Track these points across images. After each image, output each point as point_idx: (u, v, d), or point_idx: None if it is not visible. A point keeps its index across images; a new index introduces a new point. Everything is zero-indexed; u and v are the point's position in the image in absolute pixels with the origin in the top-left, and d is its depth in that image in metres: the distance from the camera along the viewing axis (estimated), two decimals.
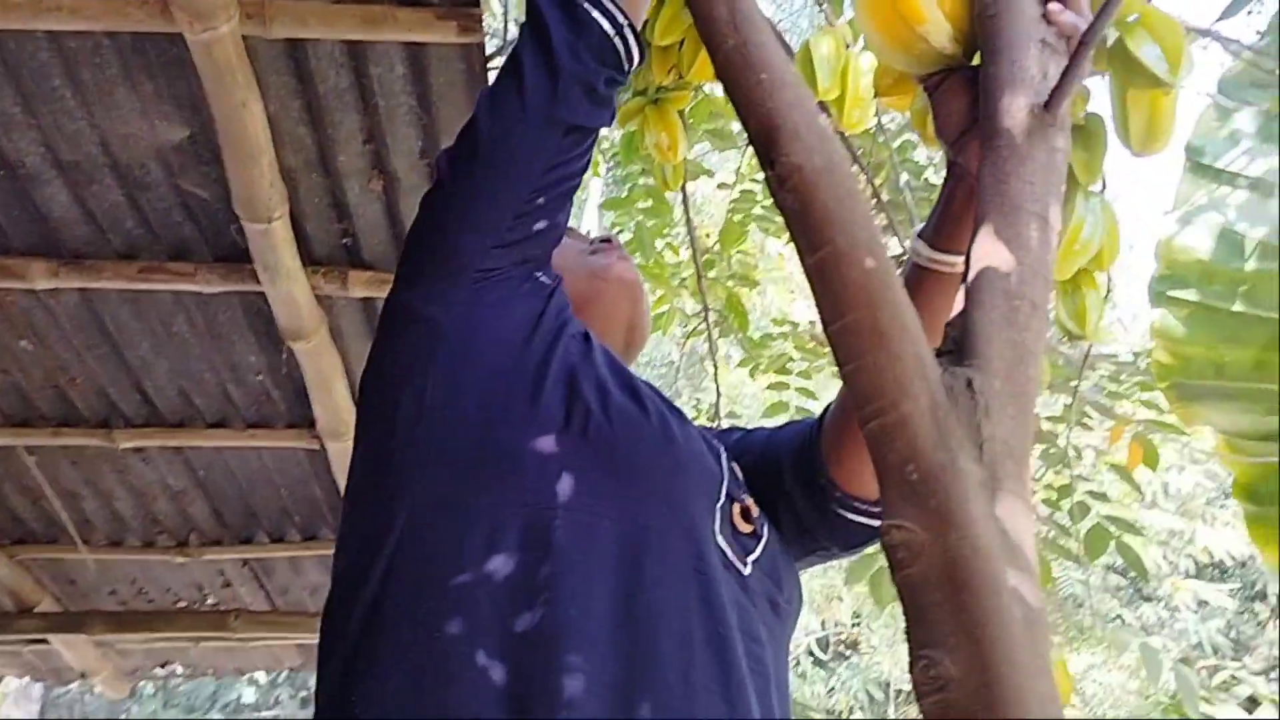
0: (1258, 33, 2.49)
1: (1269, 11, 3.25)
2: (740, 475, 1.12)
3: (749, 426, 1.39)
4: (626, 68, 1.12)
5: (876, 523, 1.15)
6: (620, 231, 3.11)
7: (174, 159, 2.27)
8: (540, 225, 1.08)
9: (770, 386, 3.06)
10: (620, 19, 1.10)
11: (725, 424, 2.88)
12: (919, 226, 1.16)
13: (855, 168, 2.31)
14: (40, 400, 3.05)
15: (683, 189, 2.56)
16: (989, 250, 0.87)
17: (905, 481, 0.77)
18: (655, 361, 10.86)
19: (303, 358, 2.69)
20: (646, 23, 2.13)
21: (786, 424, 1.32)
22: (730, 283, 2.76)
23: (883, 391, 0.78)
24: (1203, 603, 11.26)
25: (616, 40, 1.10)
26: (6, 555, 3.76)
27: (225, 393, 3.08)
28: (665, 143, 2.23)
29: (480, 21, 1.99)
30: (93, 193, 2.37)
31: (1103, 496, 2.26)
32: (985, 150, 0.92)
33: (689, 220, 2.53)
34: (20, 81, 2.09)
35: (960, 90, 1.05)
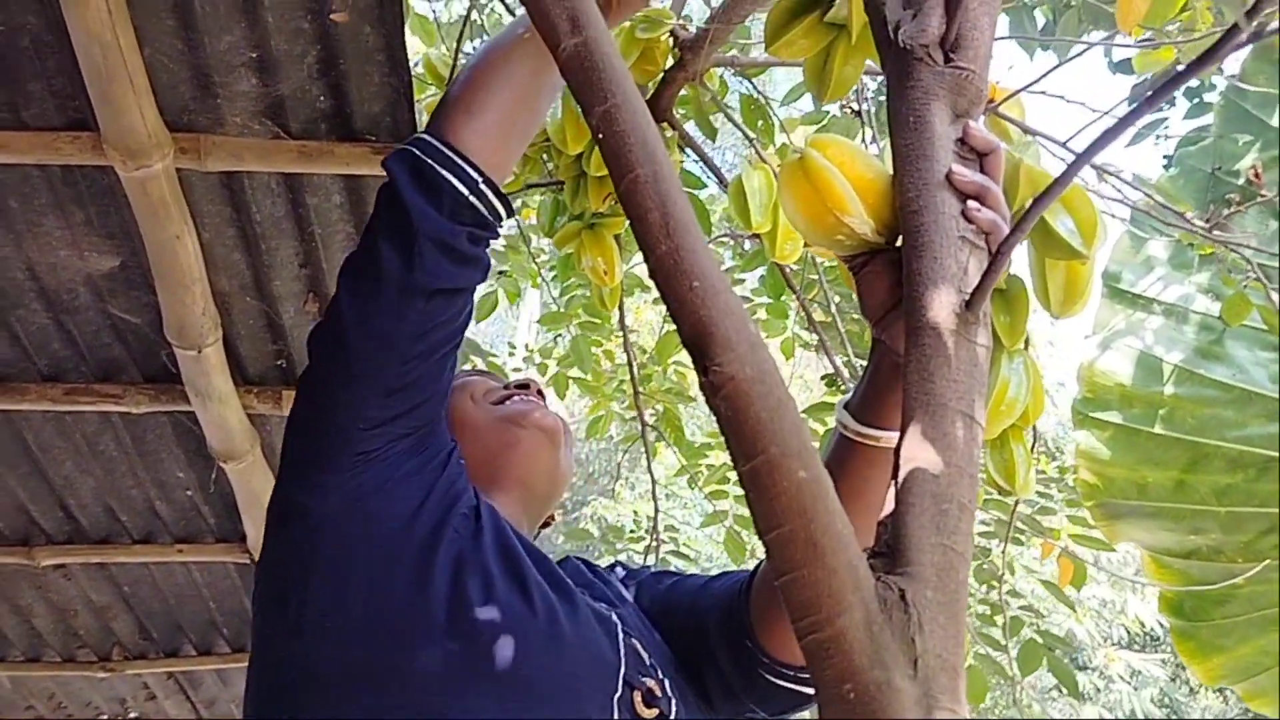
0: (1165, 158, 2.62)
1: (1174, 141, 3.44)
2: (643, 653, 1.08)
3: (683, 572, 1.39)
4: (491, 221, 1.08)
5: (805, 689, 1.14)
6: (557, 340, 3.13)
7: (104, 285, 2.24)
8: (419, 398, 1.04)
9: (709, 495, 3.08)
10: (474, 175, 1.06)
11: (665, 537, 2.88)
12: (843, 398, 1.18)
13: (789, 292, 2.36)
14: None
15: (620, 306, 2.59)
16: (917, 451, 0.90)
17: (842, 699, 0.78)
18: (594, 442, 10.83)
19: (234, 476, 2.64)
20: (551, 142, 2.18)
21: (719, 575, 1.30)
22: (666, 397, 2.79)
23: (819, 605, 0.80)
24: (1135, 672, 11.39)
25: (473, 198, 1.06)
26: None
27: (152, 509, 3.01)
28: (601, 267, 2.26)
29: None
30: (18, 316, 2.32)
31: (1034, 611, 2.29)
32: (910, 346, 0.95)
33: (625, 336, 2.55)
34: None
35: (884, 271, 1.09)
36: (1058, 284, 1.32)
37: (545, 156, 2.40)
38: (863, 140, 2.12)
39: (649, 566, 1.42)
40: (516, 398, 1.30)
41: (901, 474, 0.90)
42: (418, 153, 1.07)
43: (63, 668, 3.72)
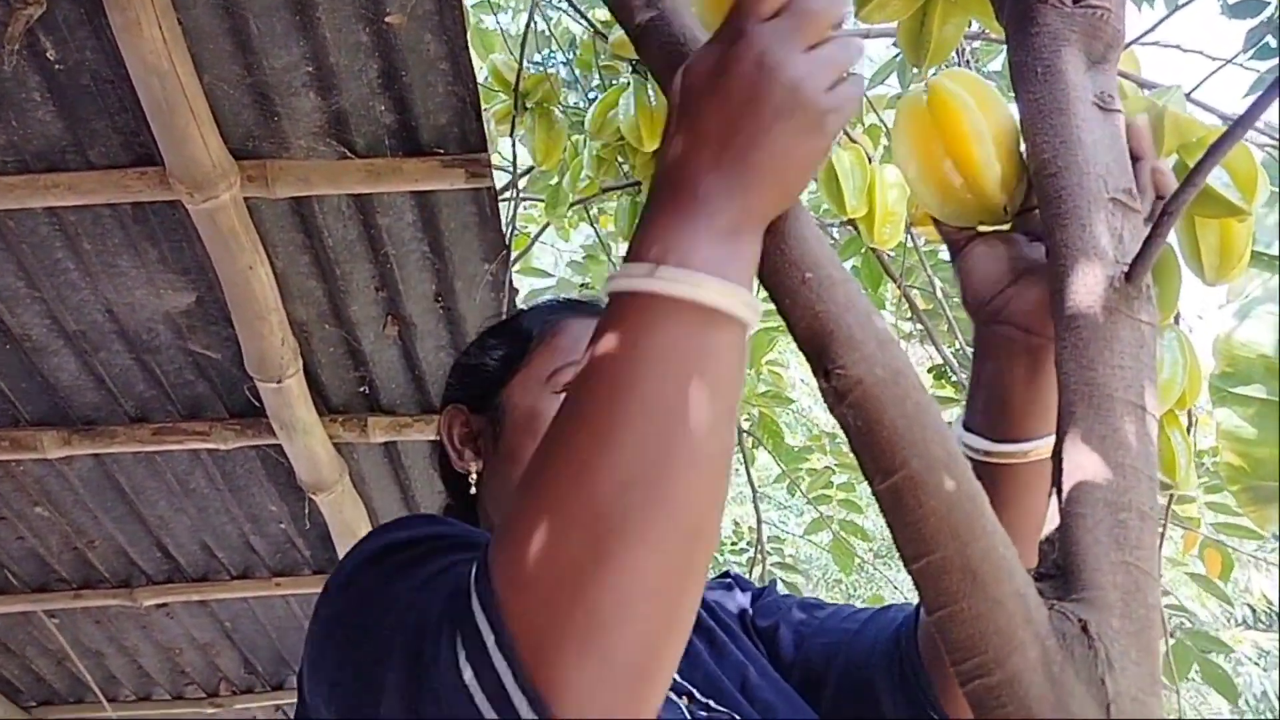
0: None
1: None
2: None
3: (808, 598, 1.22)
4: None
5: None
6: None
7: (182, 322, 2.21)
8: None
9: (811, 500, 2.93)
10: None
11: (770, 551, 2.74)
12: (960, 413, 1.00)
13: (887, 281, 2.22)
14: (59, 564, 2.97)
15: None
16: (1083, 455, 0.76)
17: None
18: None
19: (325, 507, 2.59)
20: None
21: (863, 619, 1.09)
22: (761, 400, 2.65)
23: (984, 644, 0.67)
24: (1264, 653, 10.87)
25: None
26: (30, 718, 3.64)
27: (248, 543, 2.99)
28: None
29: (488, 166, 1.93)
30: (100, 359, 2.30)
31: (1184, 610, 2.11)
32: (1062, 331, 0.82)
33: None
34: (22, 257, 2.04)
35: (993, 249, 0.93)
36: (1211, 246, 1.16)
37: (620, 157, 2.30)
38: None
39: (768, 586, 1.24)
40: None
41: (1067, 483, 0.76)
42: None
43: (173, 705, 3.74)
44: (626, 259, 0.66)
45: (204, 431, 2.46)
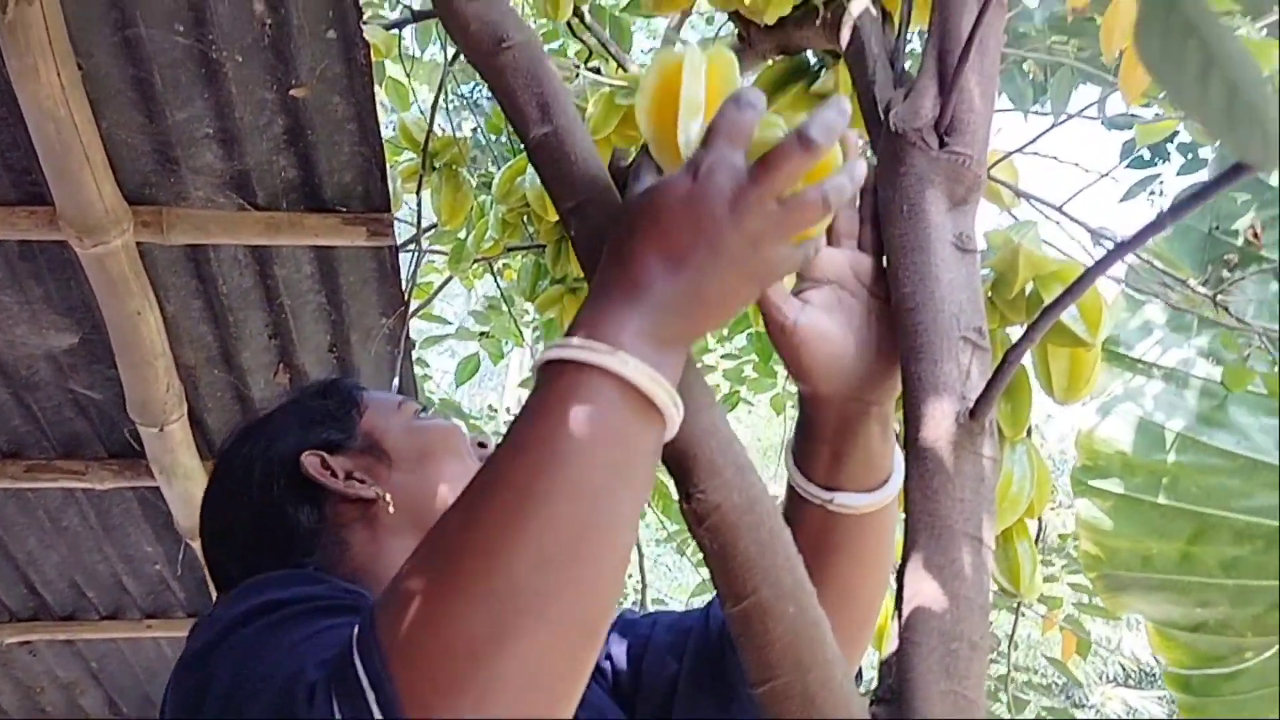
0: (1159, 214, 2.57)
1: (1170, 195, 3.40)
2: None
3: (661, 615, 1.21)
4: None
5: None
6: None
7: (64, 360, 2.16)
8: None
9: (698, 565, 2.98)
10: None
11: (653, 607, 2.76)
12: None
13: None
14: None
15: None
16: (922, 584, 0.81)
17: None
18: None
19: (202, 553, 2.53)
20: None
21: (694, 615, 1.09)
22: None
23: None
24: (1133, 710, 11.26)
25: None
26: None
27: (120, 583, 2.90)
28: None
29: (391, 226, 1.95)
30: None
31: (1041, 688, 2.20)
32: (911, 463, 0.87)
33: None
34: None
35: (824, 329, 0.88)
36: (1061, 370, 1.25)
37: (526, 219, 2.33)
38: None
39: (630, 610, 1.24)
40: None
41: (906, 609, 0.81)
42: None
43: None
44: (565, 334, 0.68)
45: (80, 471, 2.40)
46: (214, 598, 2.42)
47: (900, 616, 0.82)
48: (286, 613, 0.80)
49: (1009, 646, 2.12)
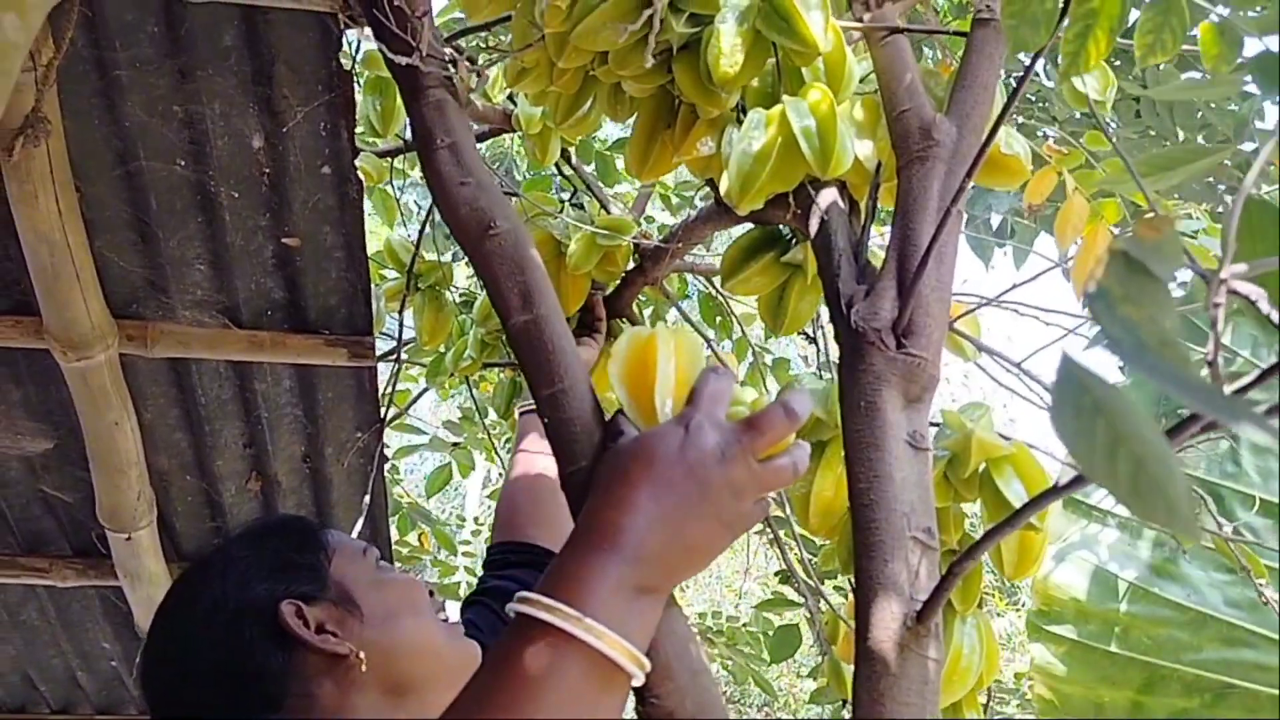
0: (1120, 367, 2.65)
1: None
2: None
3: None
4: None
5: None
6: None
7: (37, 461, 2.17)
8: None
9: None
10: None
11: None
12: None
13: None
14: None
15: None
16: None
17: None
18: None
19: None
20: None
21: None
22: None
23: None
24: None
25: None
26: None
27: (74, 679, 2.86)
28: None
29: (371, 348, 1.99)
30: None
31: None
32: (860, 663, 0.91)
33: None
34: None
35: None
36: (1011, 549, 1.30)
37: (504, 341, 2.38)
38: (816, 361, 2.12)
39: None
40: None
41: None
42: None
43: None
44: (544, 586, 0.72)
45: (43, 568, 2.39)
46: None
47: None
48: None
49: None
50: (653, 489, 0.76)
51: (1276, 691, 2.01)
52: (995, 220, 2.83)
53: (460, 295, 2.41)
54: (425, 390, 2.62)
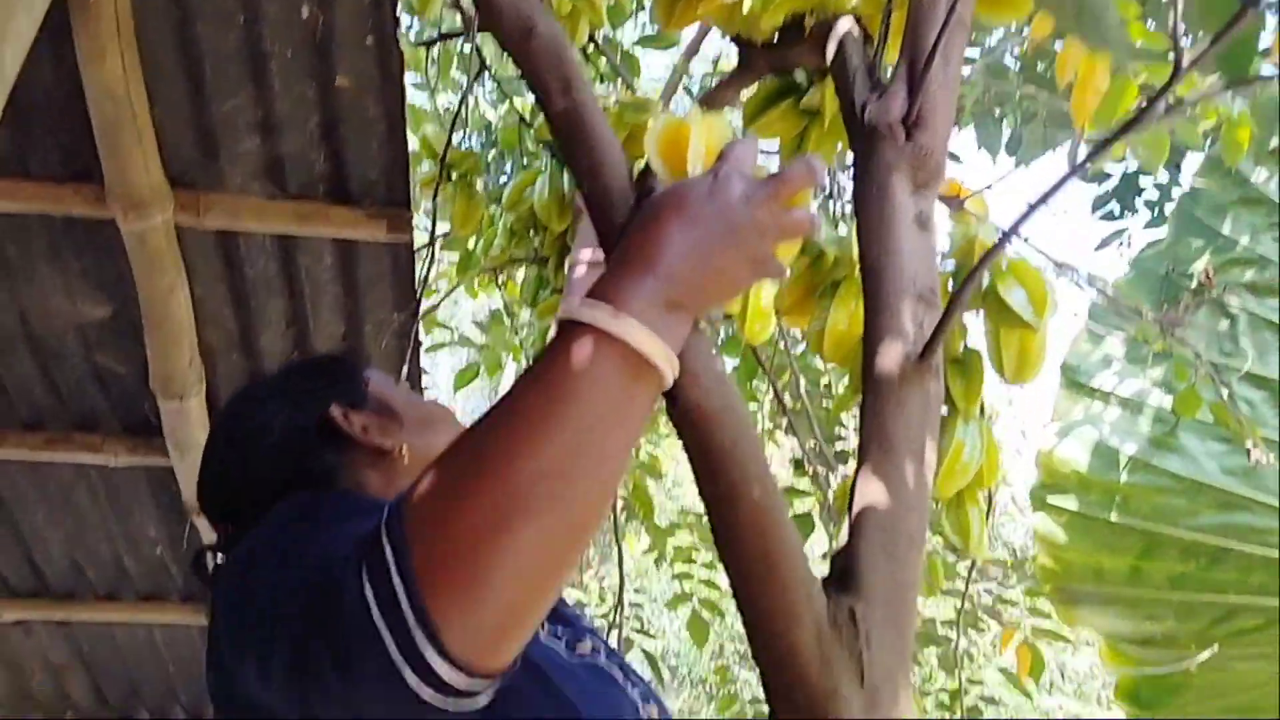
0: (1130, 264, 2.76)
1: (1136, 247, 3.59)
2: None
3: None
4: None
5: None
6: None
7: (93, 334, 2.29)
8: None
9: (675, 576, 3.10)
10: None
11: (630, 617, 2.88)
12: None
13: (760, 375, 2.44)
14: None
15: None
16: (870, 488, 0.96)
17: (792, 703, 0.83)
18: None
19: (206, 533, 2.65)
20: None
21: None
22: (637, 471, 2.84)
23: (772, 619, 0.85)
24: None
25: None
26: None
27: (120, 565, 3.01)
28: None
29: (409, 222, 2.10)
30: (5, 363, 2.36)
31: (994, 701, 2.32)
32: (866, 394, 1.02)
33: None
34: None
35: None
36: (1011, 354, 1.40)
37: (531, 231, 2.49)
38: (832, 213, 2.22)
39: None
40: None
41: (856, 508, 0.96)
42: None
43: None
44: (590, 294, 0.81)
45: (96, 445, 2.52)
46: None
47: (851, 516, 0.96)
48: (325, 514, 0.94)
49: (958, 658, 2.24)
50: (683, 224, 0.86)
51: (1269, 553, 2.11)
52: (1006, 131, 2.93)
53: (490, 192, 2.52)
54: (457, 285, 2.73)
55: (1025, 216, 0.90)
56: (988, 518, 1.47)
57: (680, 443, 0.94)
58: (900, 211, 1.13)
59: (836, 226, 2.12)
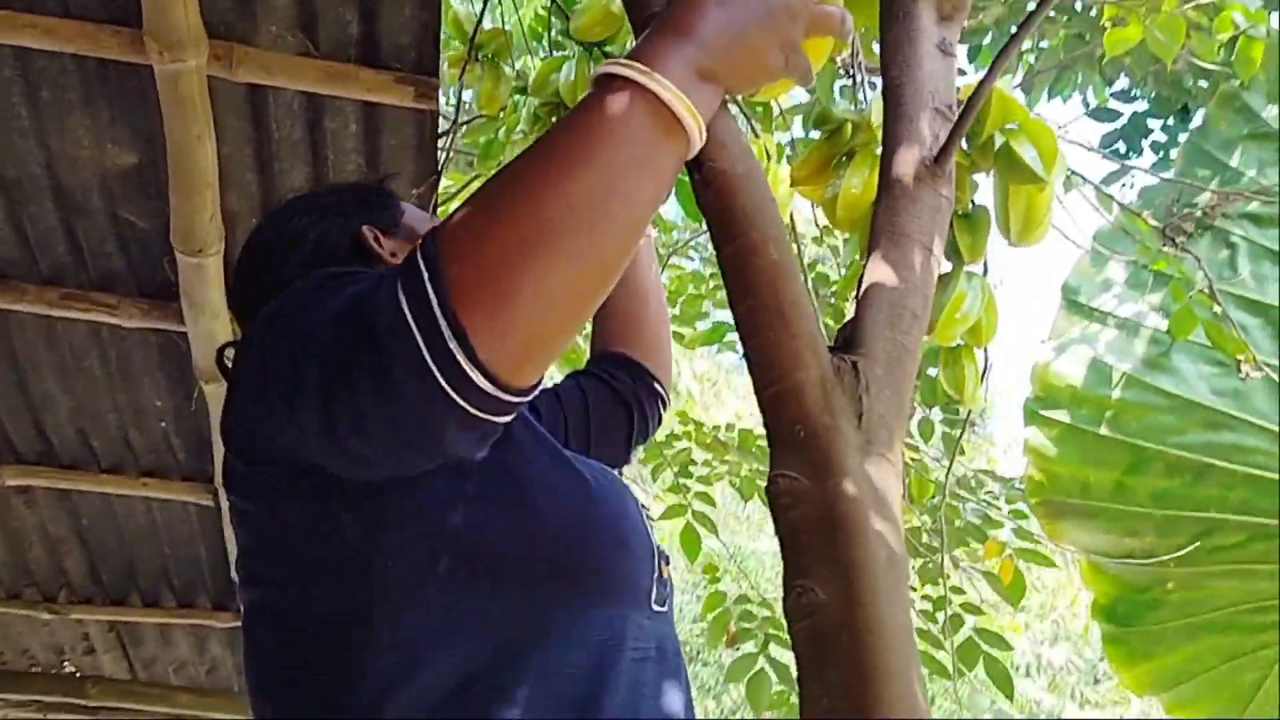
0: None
1: (1140, 181, 3.63)
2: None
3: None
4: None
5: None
6: None
7: (117, 186, 2.33)
8: None
9: (670, 489, 3.16)
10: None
11: None
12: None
13: None
14: None
15: None
16: (879, 270, 1.01)
17: (793, 438, 0.88)
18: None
19: (213, 401, 2.70)
20: None
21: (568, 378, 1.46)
22: None
23: (780, 363, 0.90)
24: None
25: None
26: None
27: (125, 437, 3.06)
28: None
29: (436, 90, 2.14)
30: (30, 214, 2.40)
31: (976, 609, 2.38)
32: (881, 193, 1.07)
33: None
34: None
35: None
36: (1019, 212, 1.44)
37: (555, 118, 2.53)
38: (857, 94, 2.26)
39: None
40: None
41: (863, 288, 1.01)
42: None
43: (8, 605, 3.71)
44: (628, 56, 0.86)
45: (112, 305, 2.57)
46: (214, 460, 2.51)
47: (859, 293, 1.01)
48: (350, 274, 0.99)
49: (943, 564, 2.30)
50: (719, 1, 0.91)
51: (1253, 471, 2.16)
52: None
53: (517, 77, 2.55)
54: (477, 176, 2.76)
55: (1013, 40, 0.94)
56: (982, 378, 1.52)
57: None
58: (924, 35, 1.17)
59: (855, 104, 2.16)
